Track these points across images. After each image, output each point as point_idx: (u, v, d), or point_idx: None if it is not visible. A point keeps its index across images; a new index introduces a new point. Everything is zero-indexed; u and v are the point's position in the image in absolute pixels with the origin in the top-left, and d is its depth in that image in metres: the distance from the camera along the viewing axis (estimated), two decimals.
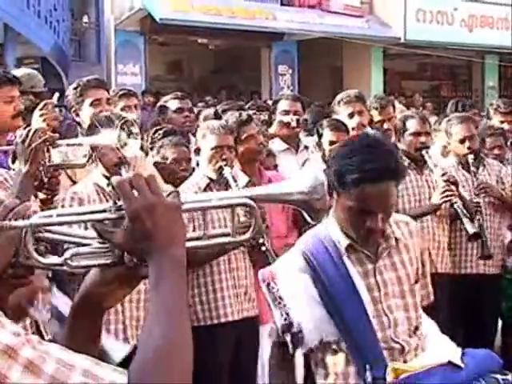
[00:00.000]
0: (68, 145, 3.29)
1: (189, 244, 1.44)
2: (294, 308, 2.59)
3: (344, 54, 17.02)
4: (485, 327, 5.27)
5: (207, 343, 3.83)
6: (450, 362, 2.48)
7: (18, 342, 1.22)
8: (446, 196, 4.70)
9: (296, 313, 2.59)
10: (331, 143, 4.76)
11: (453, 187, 4.73)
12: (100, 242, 1.44)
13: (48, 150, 3.15)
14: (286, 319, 2.59)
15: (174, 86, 15.58)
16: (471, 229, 4.67)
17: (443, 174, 4.78)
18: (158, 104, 5.76)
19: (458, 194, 4.74)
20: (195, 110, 6.69)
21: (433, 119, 6.73)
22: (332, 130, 4.82)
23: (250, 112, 5.50)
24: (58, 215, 1.45)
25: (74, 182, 3.97)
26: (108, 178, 3.63)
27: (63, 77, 11.75)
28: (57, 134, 3.28)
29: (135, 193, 1.36)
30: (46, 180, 3.10)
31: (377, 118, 5.61)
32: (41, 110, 4.01)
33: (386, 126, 5.57)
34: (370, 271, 2.61)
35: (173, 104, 5.44)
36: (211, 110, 6.00)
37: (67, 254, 1.45)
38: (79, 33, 14.27)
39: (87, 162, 3.31)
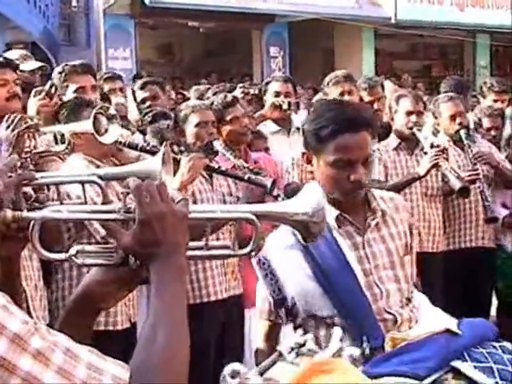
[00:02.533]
0: (51, 131, 3.31)
1: (190, 253, 1.49)
2: (287, 283, 2.61)
3: (335, 35, 16.97)
4: (479, 303, 5.29)
5: (194, 321, 3.83)
6: (447, 330, 2.49)
7: (27, 330, 1.23)
8: (434, 160, 4.70)
9: (289, 287, 2.61)
10: None
11: (441, 152, 4.74)
12: (104, 242, 1.47)
13: (34, 138, 3.16)
14: (278, 294, 2.62)
15: (165, 70, 15.55)
16: (457, 184, 4.67)
17: (432, 145, 4.79)
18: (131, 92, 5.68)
19: (446, 159, 4.74)
20: (187, 93, 6.67)
21: (425, 99, 6.73)
22: None
23: (239, 90, 5.51)
24: (69, 211, 1.49)
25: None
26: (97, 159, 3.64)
27: (53, 62, 11.68)
28: (41, 121, 3.30)
29: (147, 199, 1.41)
30: (31, 167, 3.10)
31: (366, 98, 5.61)
32: (34, 96, 3.99)
33: (375, 106, 5.58)
34: (359, 244, 2.64)
35: (138, 95, 5.40)
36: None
37: (72, 251, 1.49)
38: (68, 17, 14.18)
39: (66, 149, 3.33)
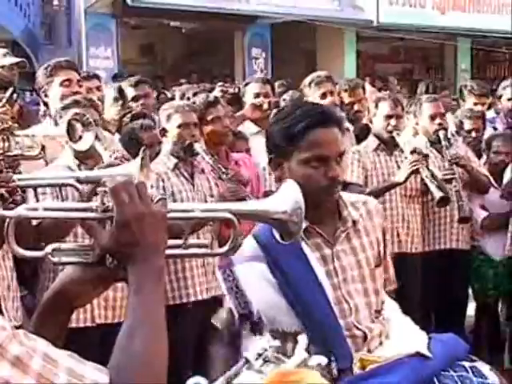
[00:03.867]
0: (25, 135, 3.29)
1: (167, 251, 1.48)
2: (252, 297, 2.51)
3: (317, 38, 16.98)
4: (455, 306, 5.33)
5: (174, 322, 3.82)
6: (417, 353, 2.43)
7: (5, 336, 1.21)
8: (414, 166, 4.72)
9: (255, 301, 2.51)
10: None
11: (420, 158, 4.76)
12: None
13: (8, 140, 3.14)
14: (244, 308, 2.52)
15: (147, 69, 15.48)
16: (438, 193, 4.70)
17: (413, 151, 4.81)
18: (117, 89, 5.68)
19: (426, 166, 4.76)
20: (168, 93, 6.67)
21: (405, 102, 6.76)
22: None
23: (218, 88, 5.52)
24: (45, 209, 1.48)
25: (47, 163, 3.95)
26: (79, 160, 3.64)
27: (34, 61, 11.62)
28: (16, 124, 3.28)
29: (126, 199, 1.40)
30: (4, 171, 3.07)
31: (347, 99, 5.64)
32: None
33: (356, 107, 5.61)
34: (328, 256, 2.54)
35: (129, 92, 5.41)
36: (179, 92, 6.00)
37: (48, 249, 1.48)
38: (49, 16, 14.10)
39: (40, 153, 3.31)
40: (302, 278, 2.48)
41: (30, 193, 3.24)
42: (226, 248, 1.55)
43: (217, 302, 4.17)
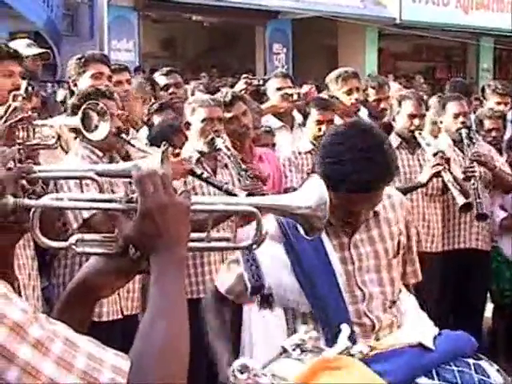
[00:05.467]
0: (43, 125, 3.31)
1: (190, 244, 1.48)
2: (267, 272, 2.56)
3: (339, 34, 16.95)
4: (473, 306, 5.30)
5: (191, 316, 3.82)
6: (420, 344, 2.45)
7: (27, 319, 1.22)
8: (436, 169, 4.69)
9: (268, 276, 2.56)
10: (318, 122, 4.76)
11: (443, 161, 4.72)
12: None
13: (28, 130, 3.16)
14: (257, 281, 2.57)
15: (168, 63, 15.50)
16: (461, 200, 4.66)
17: (435, 153, 4.77)
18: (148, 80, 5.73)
19: (448, 169, 4.73)
20: (188, 87, 6.66)
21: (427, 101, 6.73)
22: (319, 109, 4.79)
23: (243, 81, 5.47)
24: (70, 199, 1.49)
25: (66, 153, 3.98)
26: (101, 150, 3.67)
27: (56, 52, 11.65)
28: (35, 114, 3.29)
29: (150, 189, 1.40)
30: (23, 159, 3.08)
31: (373, 96, 5.61)
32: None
33: (382, 105, 5.57)
34: (346, 244, 2.58)
35: (160, 80, 5.44)
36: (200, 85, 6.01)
37: (73, 240, 1.48)
38: (72, 8, 14.15)
39: (55, 143, 3.33)
40: (315, 263, 2.53)
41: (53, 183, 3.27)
42: (248, 241, 1.54)
43: None
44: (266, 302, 2.59)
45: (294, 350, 2.13)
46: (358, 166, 2.38)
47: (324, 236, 2.54)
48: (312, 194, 1.54)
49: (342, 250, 2.58)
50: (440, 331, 2.57)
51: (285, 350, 2.12)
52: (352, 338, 2.43)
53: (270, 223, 2.48)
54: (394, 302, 2.62)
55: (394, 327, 2.60)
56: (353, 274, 2.57)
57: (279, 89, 5.38)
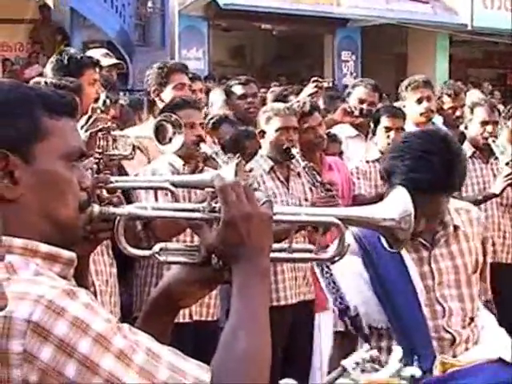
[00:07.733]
0: (121, 136, 3.37)
1: (273, 255, 1.47)
2: (348, 292, 2.55)
3: (409, 41, 16.77)
4: None
5: None
6: (500, 359, 2.39)
7: (110, 329, 1.23)
8: (510, 179, 4.60)
9: (350, 297, 2.55)
10: (387, 129, 4.73)
11: None
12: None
13: (107, 140, 3.22)
14: (341, 303, 2.56)
15: (237, 71, 15.59)
16: None
17: (507, 163, 4.69)
18: (224, 89, 5.75)
19: None
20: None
21: (500, 108, 6.61)
22: (388, 116, 4.77)
23: (313, 84, 5.43)
24: (154, 208, 1.50)
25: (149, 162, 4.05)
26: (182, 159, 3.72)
27: (128, 61, 11.85)
28: (114, 124, 3.35)
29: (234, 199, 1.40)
30: (101, 168, 3.14)
31: (449, 104, 5.51)
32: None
33: (458, 113, 5.48)
34: (425, 259, 2.55)
35: (237, 89, 5.36)
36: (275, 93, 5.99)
37: (156, 248, 1.49)
38: (144, 18, 14.36)
39: (131, 153, 3.38)
40: (394, 276, 2.50)
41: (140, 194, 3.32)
42: (331, 253, 1.53)
43: (306, 306, 4.17)
44: (355, 323, 2.56)
45: (353, 369, 2.08)
46: (417, 163, 2.39)
47: (403, 250, 2.49)
48: (396, 205, 1.53)
49: (421, 264, 2.55)
50: None
51: (344, 370, 2.08)
52: (431, 353, 2.40)
53: (348, 239, 2.46)
54: (472, 319, 2.59)
55: (470, 343, 2.56)
56: (432, 288, 2.54)
57: (361, 101, 5.31)
